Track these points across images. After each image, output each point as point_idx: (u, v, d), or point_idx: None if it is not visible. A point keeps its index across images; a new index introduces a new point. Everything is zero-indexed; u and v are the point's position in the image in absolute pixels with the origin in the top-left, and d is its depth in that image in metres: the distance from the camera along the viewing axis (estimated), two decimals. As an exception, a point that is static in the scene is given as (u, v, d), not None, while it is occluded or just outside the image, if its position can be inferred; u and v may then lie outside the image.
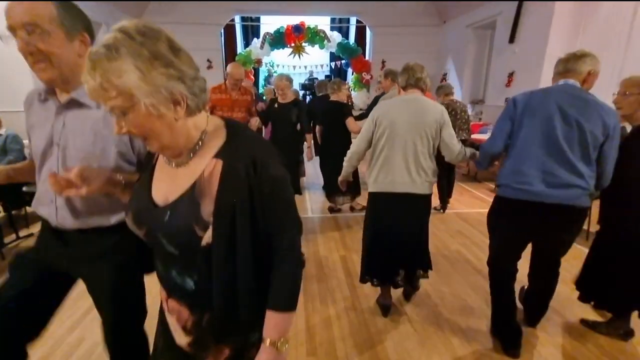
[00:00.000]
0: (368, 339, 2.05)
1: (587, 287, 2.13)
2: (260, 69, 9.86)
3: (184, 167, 0.78)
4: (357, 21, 9.22)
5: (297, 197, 4.05)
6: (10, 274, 1.14)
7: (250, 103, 3.54)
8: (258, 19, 9.34)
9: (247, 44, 9.36)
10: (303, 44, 8.93)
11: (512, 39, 5.92)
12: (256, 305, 0.80)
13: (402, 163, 1.98)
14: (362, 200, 3.66)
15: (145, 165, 0.91)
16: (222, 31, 8.81)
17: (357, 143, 2.15)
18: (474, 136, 4.58)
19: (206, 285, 0.78)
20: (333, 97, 3.82)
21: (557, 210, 1.68)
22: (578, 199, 1.68)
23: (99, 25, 6.33)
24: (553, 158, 1.67)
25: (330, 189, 4.14)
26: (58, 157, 1.04)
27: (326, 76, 10.75)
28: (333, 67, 10.59)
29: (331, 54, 9.81)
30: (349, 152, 2.20)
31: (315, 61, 10.77)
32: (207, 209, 0.73)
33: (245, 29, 9.70)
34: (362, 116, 4.20)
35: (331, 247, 3.28)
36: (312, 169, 4.46)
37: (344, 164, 2.23)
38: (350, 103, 8.47)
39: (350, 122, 3.64)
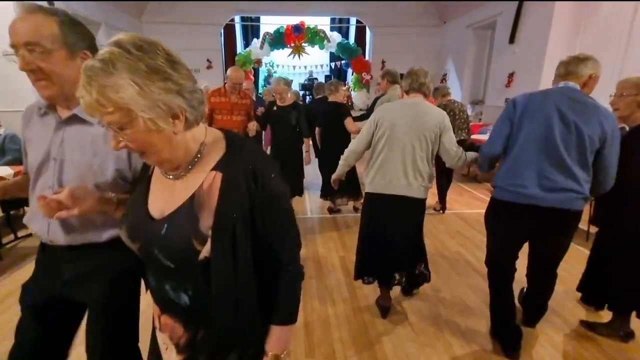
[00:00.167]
0: (367, 340, 2.04)
1: (588, 288, 2.12)
2: (260, 69, 9.84)
3: (181, 179, 0.77)
4: (357, 21, 9.22)
5: (296, 197, 4.05)
6: (18, 325, 1.12)
7: (250, 107, 3.54)
8: (258, 19, 9.34)
9: (246, 44, 9.36)
10: (303, 44, 8.92)
11: (512, 40, 5.92)
12: (258, 319, 0.79)
13: (399, 166, 1.99)
14: (362, 200, 3.66)
15: (141, 177, 0.89)
16: (222, 31, 8.82)
17: (356, 143, 2.16)
18: (474, 136, 4.58)
19: (201, 300, 0.76)
20: (331, 98, 3.82)
21: (553, 213, 1.68)
22: (573, 203, 1.67)
23: (99, 24, 6.32)
24: (550, 161, 1.67)
25: (329, 190, 4.13)
26: (54, 172, 1.03)
27: (326, 76, 10.73)
28: (333, 67, 10.57)
29: (331, 54, 9.80)
30: (346, 150, 2.21)
31: (315, 61, 10.76)
32: (206, 222, 0.71)
33: (245, 29, 9.70)
34: (363, 117, 4.20)
35: (330, 247, 3.28)
36: (312, 169, 4.48)
37: (340, 162, 2.24)
38: (350, 103, 8.52)
39: (348, 123, 3.64)
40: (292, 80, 4.78)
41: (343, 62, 9.69)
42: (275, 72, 10.42)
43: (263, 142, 5.11)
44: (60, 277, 1.10)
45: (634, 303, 1.96)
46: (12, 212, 3.34)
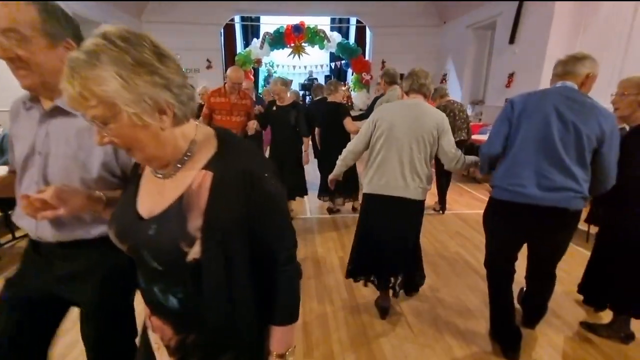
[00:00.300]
0: (365, 341, 2.03)
1: (589, 289, 2.11)
2: (260, 69, 9.83)
3: (171, 178, 0.74)
4: (357, 21, 9.21)
5: (297, 197, 4.04)
6: None
7: (250, 107, 3.53)
8: (258, 19, 9.33)
9: (246, 44, 9.35)
10: (303, 44, 8.91)
11: (512, 40, 5.91)
12: (255, 322, 0.78)
13: (397, 167, 1.98)
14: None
15: (132, 176, 0.87)
16: (222, 31, 8.81)
17: (354, 143, 2.15)
18: (474, 137, 4.57)
19: (192, 303, 0.74)
20: (330, 98, 3.82)
21: (552, 213, 1.67)
22: (571, 202, 1.67)
23: (98, 24, 6.28)
24: (548, 161, 1.66)
25: (328, 190, 4.12)
26: (39, 166, 1.00)
27: (326, 76, 10.72)
28: (333, 67, 10.56)
29: (331, 54, 9.79)
30: (344, 150, 2.19)
31: (315, 61, 10.74)
32: (195, 223, 0.69)
33: (244, 28, 9.69)
34: (362, 117, 4.19)
35: (329, 248, 3.27)
36: (312, 169, 4.47)
37: (338, 162, 2.23)
38: (349, 103, 8.51)
39: (347, 122, 3.64)
40: (291, 80, 4.77)
41: (343, 62, 9.68)
42: (275, 72, 10.40)
43: (263, 142, 5.10)
44: (50, 274, 1.08)
45: (634, 303, 1.95)
46: (9, 212, 3.33)
